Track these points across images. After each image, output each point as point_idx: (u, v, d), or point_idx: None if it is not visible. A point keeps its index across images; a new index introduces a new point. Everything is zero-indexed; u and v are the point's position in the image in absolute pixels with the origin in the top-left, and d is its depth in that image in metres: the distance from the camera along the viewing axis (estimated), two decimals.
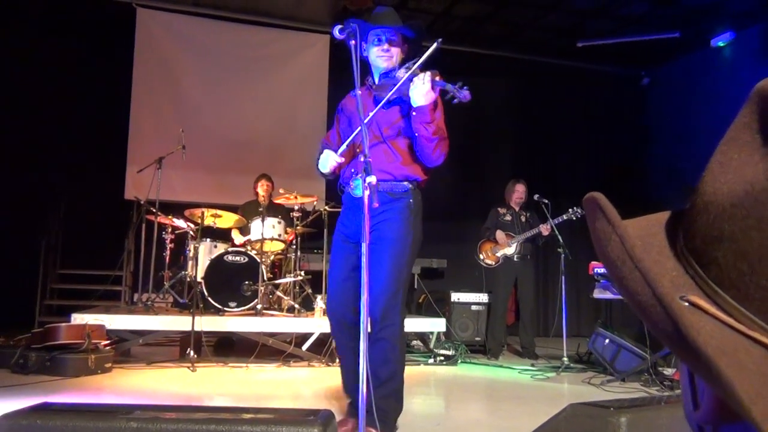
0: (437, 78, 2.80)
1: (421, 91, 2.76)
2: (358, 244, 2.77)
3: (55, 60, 7.57)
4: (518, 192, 6.42)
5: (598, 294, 5.57)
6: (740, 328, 0.45)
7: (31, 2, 7.53)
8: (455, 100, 2.79)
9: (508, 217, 6.40)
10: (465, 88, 2.77)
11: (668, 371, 4.86)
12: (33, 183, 7.31)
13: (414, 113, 2.83)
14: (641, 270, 0.48)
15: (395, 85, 2.87)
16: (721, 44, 8.24)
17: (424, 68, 2.85)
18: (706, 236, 0.49)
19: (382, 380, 2.81)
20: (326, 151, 2.96)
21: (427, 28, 8.30)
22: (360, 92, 2.79)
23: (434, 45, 2.67)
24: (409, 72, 2.82)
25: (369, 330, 2.91)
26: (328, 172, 2.99)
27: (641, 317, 0.49)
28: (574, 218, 5.89)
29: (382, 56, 2.98)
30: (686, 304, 0.47)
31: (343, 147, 2.88)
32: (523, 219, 6.40)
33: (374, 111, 2.85)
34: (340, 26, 2.73)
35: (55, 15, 7.75)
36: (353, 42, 2.67)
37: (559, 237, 5.87)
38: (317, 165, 3.04)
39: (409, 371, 5.36)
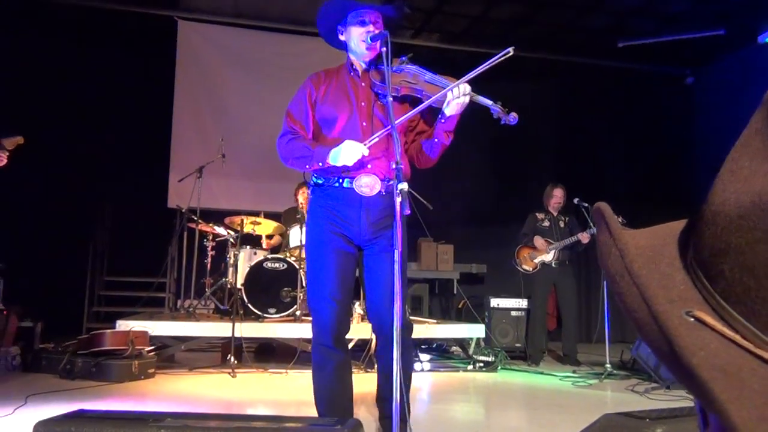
0: (478, 96, 2.68)
1: (461, 102, 2.62)
2: (361, 248, 2.72)
3: (100, 72, 7.81)
4: (556, 197, 6.31)
5: None
6: (746, 345, 0.43)
7: (77, 17, 7.78)
8: (502, 121, 2.71)
9: (547, 223, 6.30)
10: (512, 114, 2.68)
11: None
12: (80, 192, 7.54)
13: (443, 121, 2.69)
14: (638, 286, 0.46)
15: (409, 79, 2.74)
16: None
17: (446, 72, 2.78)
18: (714, 248, 0.47)
19: (409, 384, 2.81)
20: (348, 142, 2.57)
21: (464, 32, 8.28)
22: (346, 78, 2.74)
23: (504, 52, 2.51)
24: (466, 78, 2.62)
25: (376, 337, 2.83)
26: (339, 166, 2.57)
27: (639, 334, 0.48)
28: None
29: (372, 39, 2.67)
30: (691, 319, 0.46)
31: (375, 138, 2.60)
32: (561, 224, 6.29)
33: (410, 114, 2.66)
34: (372, 33, 2.73)
35: (100, 29, 8.00)
36: (384, 49, 2.67)
37: None
38: (300, 156, 2.65)
39: (449, 378, 5.35)
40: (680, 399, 4.32)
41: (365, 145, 2.56)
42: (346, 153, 2.53)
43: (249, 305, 5.53)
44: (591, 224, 5.86)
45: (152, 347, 5.05)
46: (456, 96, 2.61)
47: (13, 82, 7.46)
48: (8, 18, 7.65)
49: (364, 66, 2.79)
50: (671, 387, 4.65)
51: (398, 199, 2.39)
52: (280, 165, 9.05)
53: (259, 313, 5.54)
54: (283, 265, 5.73)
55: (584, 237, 5.95)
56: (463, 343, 6.12)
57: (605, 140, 9.24)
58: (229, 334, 4.99)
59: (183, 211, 6.30)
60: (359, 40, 2.69)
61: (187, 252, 6.55)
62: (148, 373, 4.70)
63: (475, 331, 5.96)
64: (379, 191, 2.66)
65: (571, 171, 8.30)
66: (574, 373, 5.58)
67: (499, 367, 5.72)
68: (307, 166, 2.66)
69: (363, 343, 5.31)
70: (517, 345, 6.49)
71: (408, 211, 2.36)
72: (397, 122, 2.55)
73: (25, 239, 7.21)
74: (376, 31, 2.68)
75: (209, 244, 6.32)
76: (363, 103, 2.75)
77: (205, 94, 8.04)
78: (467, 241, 8.16)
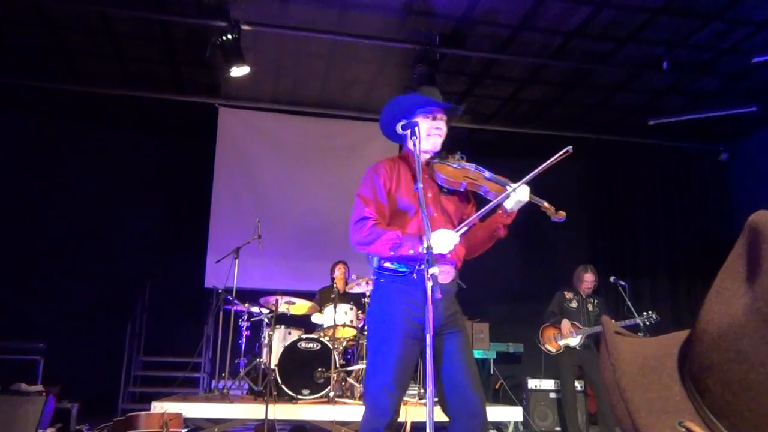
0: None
1: (522, 199, 2.77)
2: (435, 333, 2.73)
3: (145, 157, 8.20)
4: (587, 282, 6.15)
5: None
6: None
7: (123, 105, 8.21)
8: (552, 220, 2.84)
9: (575, 304, 6.15)
10: (561, 212, 2.82)
11: None
12: (120, 273, 7.75)
13: (504, 216, 2.84)
14: (624, 400, 0.49)
15: (471, 176, 2.88)
16: None
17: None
18: (701, 364, 0.51)
19: None
20: (444, 230, 2.64)
21: (495, 113, 8.46)
22: (406, 170, 2.87)
23: (563, 151, 2.64)
24: (527, 180, 2.77)
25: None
26: (438, 252, 2.61)
27: None
28: (647, 323, 5.65)
29: (435, 133, 2.89)
30: (683, 429, 0.48)
31: (464, 229, 2.75)
32: (590, 307, 6.13)
33: (486, 209, 2.78)
34: (403, 122, 2.84)
35: (145, 115, 8.42)
36: (414, 138, 2.77)
37: (641, 325, 5.64)
38: (388, 240, 2.67)
39: None
40: None
41: (456, 233, 2.68)
42: (445, 241, 2.63)
43: (282, 386, 5.50)
44: (628, 304, 5.76)
45: (186, 429, 5.03)
46: (519, 196, 2.76)
47: (63, 165, 7.85)
48: (66, 109, 8.12)
49: (426, 158, 2.93)
50: None
51: (429, 284, 2.43)
52: (314, 244, 9.09)
53: (292, 394, 5.50)
54: (317, 345, 5.73)
55: None
56: (500, 426, 5.94)
57: (641, 218, 9.16)
58: (263, 416, 4.95)
59: (219, 291, 6.39)
60: (426, 133, 2.86)
61: (222, 332, 6.60)
62: None
63: (512, 413, 5.80)
64: (453, 278, 2.80)
65: (605, 249, 8.23)
66: None
67: None
68: (392, 252, 2.68)
69: (398, 427, 5.19)
70: (557, 429, 6.27)
71: (439, 296, 2.38)
72: (478, 215, 2.79)
73: (65, 319, 7.39)
74: (444, 127, 2.89)
75: (244, 324, 6.36)
76: (430, 194, 2.88)
77: (242, 177, 8.30)
78: (503, 319, 8.06)
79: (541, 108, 8.31)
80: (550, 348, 6.12)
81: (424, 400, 5.69)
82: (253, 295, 6.57)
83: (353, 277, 6.39)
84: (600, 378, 5.93)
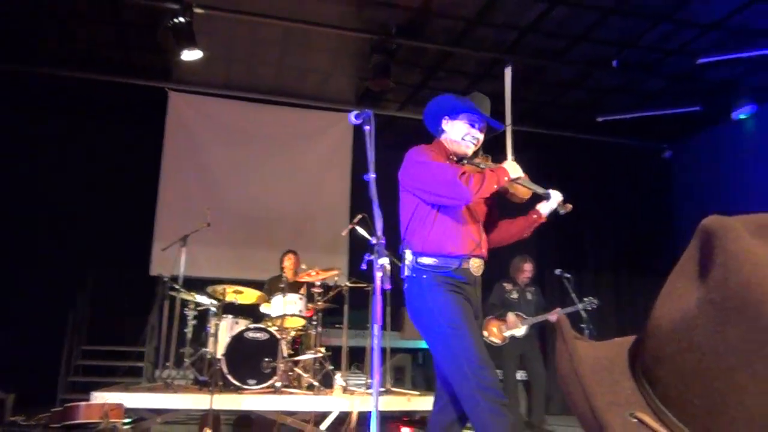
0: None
1: (553, 207, 3.04)
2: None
3: (88, 140, 7.94)
4: (525, 271, 6.32)
5: None
6: None
7: (70, 87, 7.93)
8: (561, 212, 3.09)
9: (515, 295, 6.27)
10: (568, 205, 3.09)
11: None
12: (61, 260, 7.51)
13: (538, 222, 3.10)
14: (583, 385, 0.51)
15: None
16: (743, 117, 8.25)
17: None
18: (653, 357, 0.53)
19: None
20: (510, 162, 2.98)
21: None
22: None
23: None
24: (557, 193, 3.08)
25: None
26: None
27: (582, 428, 0.52)
28: (589, 308, 5.80)
29: (470, 141, 3.05)
30: (634, 420, 0.50)
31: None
32: (529, 296, 6.29)
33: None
34: (356, 112, 2.83)
35: (92, 98, 8.15)
36: (368, 128, 2.75)
37: (583, 313, 5.78)
38: (480, 181, 2.79)
39: None
40: None
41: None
42: (518, 168, 2.93)
43: (228, 376, 5.43)
44: (572, 296, 5.88)
45: (128, 420, 4.92)
46: (557, 201, 3.03)
47: (3, 149, 7.54)
48: (9, 90, 7.80)
49: (455, 159, 3.08)
50: None
51: (378, 275, 2.43)
52: (265, 233, 9.01)
53: (238, 384, 5.44)
54: (264, 335, 5.67)
55: (553, 316, 5.94)
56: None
57: (586, 212, 9.37)
58: (208, 406, 4.88)
59: (165, 279, 6.26)
60: (460, 136, 3.03)
61: (168, 321, 6.47)
62: None
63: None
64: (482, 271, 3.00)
65: (550, 243, 8.40)
66: None
67: None
68: (495, 186, 2.83)
69: (344, 416, 5.20)
70: None
71: (389, 286, 2.40)
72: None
73: (3, 307, 7.13)
74: (481, 138, 3.07)
75: (190, 313, 6.25)
76: None
77: (192, 164, 8.13)
78: None
79: (494, 103, 8.35)
80: (495, 340, 6.19)
81: (370, 390, 5.71)
82: (200, 284, 6.46)
83: (303, 266, 6.35)
84: (539, 366, 6.10)
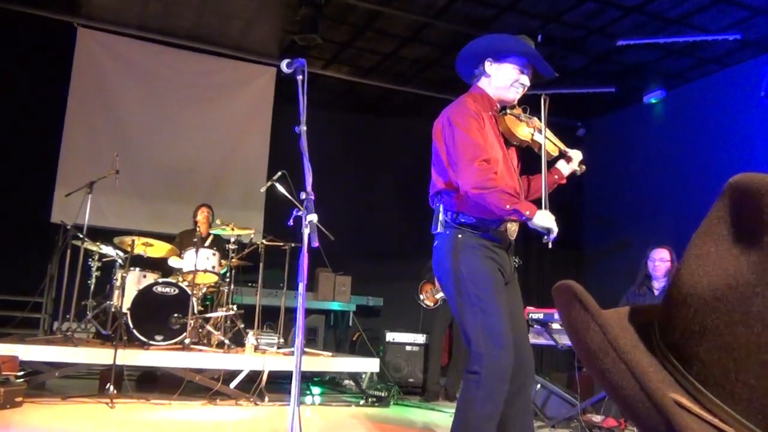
0: None
1: (574, 168, 2.98)
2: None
3: None
4: None
5: (531, 339, 5.60)
6: (727, 430, 0.42)
7: None
8: (578, 173, 3.05)
9: None
10: (582, 165, 3.04)
11: (597, 418, 4.91)
12: None
13: (559, 182, 3.00)
14: (627, 363, 0.45)
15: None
16: (653, 101, 8.62)
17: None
18: (686, 330, 0.47)
19: None
20: (546, 213, 2.61)
21: (375, 68, 8.40)
22: (488, 115, 2.76)
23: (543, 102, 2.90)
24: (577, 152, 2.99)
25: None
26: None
27: (623, 411, 0.46)
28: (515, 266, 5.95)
29: (518, 87, 2.79)
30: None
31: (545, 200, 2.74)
32: None
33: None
34: (288, 60, 2.71)
35: None
36: (300, 77, 2.65)
37: None
38: (509, 195, 2.55)
39: (340, 412, 5.26)
40: None
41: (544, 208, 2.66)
42: (551, 221, 2.59)
43: (134, 331, 5.23)
44: None
45: (22, 373, 4.65)
46: (578, 160, 2.95)
47: None
48: None
49: (498, 107, 2.85)
50: (556, 426, 4.80)
51: (306, 231, 2.35)
52: (178, 185, 8.67)
53: (144, 339, 5.25)
54: (174, 290, 5.49)
55: None
56: (356, 377, 6.06)
57: None
58: (110, 361, 4.68)
59: (68, 227, 5.91)
60: (509, 83, 2.76)
61: (69, 271, 6.12)
62: (15, 402, 4.30)
63: (369, 365, 5.92)
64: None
65: None
66: None
67: (392, 403, 5.69)
68: (508, 207, 2.53)
69: (254, 375, 5.14)
70: (411, 380, 6.51)
71: (316, 244, 2.33)
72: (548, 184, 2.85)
73: None
74: (527, 83, 2.81)
75: (94, 265, 5.95)
76: (504, 146, 2.83)
77: (101, 107, 7.63)
78: (365, 273, 8.14)
79: (421, 68, 8.35)
80: (429, 303, 6.32)
81: (283, 350, 5.67)
82: (106, 234, 6.15)
83: (217, 221, 6.15)
84: None
